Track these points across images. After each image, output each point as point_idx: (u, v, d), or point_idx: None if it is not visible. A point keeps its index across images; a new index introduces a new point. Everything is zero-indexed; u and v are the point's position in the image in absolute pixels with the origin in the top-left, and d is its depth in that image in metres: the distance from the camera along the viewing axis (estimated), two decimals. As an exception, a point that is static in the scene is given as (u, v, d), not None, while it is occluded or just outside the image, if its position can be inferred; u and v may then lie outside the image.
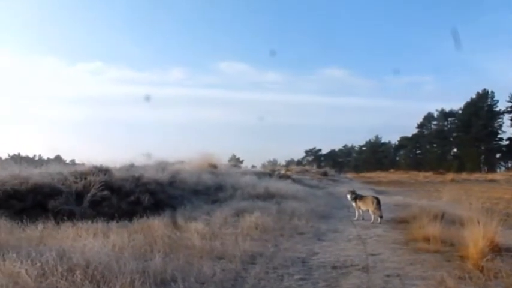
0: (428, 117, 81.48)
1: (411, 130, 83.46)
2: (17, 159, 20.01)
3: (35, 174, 11.24)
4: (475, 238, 6.63)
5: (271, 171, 24.58)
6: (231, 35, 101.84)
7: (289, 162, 72.92)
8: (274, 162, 41.46)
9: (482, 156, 72.88)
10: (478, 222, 6.89)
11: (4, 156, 25.91)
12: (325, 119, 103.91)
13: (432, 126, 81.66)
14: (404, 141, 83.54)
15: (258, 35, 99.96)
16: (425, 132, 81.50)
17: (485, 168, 70.03)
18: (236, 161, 32.81)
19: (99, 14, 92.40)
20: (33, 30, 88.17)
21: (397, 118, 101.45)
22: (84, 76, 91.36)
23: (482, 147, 72.77)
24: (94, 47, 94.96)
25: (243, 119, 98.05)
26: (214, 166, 17.73)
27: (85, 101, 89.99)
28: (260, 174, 20.17)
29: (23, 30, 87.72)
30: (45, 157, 37.59)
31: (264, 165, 27.56)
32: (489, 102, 74.13)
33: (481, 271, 5.93)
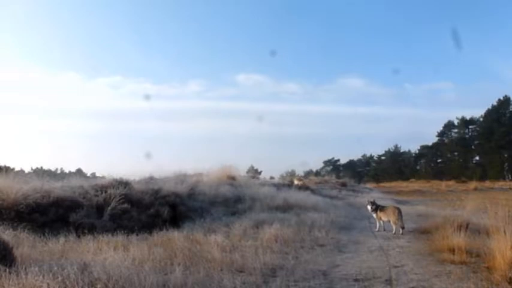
0: (449, 125, 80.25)
1: (431, 139, 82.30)
2: (39, 172, 20.31)
3: (57, 188, 11.38)
4: (502, 248, 6.42)
5: (289, 182, 24.39)
6: (249, 47, 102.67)
7: (308, 173, 72.43)
8: (292, 173, 41.21)
9: (506, 164, 71.16)
10: (505, 232, 6.67)
11: (27, 169, 26.38)
12: (343, 128, 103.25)
13: (453, 134, 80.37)
14: (425, 150, 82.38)
15: (274, 44, 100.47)
16: (446, 141, 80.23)
17: (509, 176, 68.36)
18: (254, 172, 32.46)
19: (118, 29, 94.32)
20: (54, 46, 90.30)
21: (416, 126, 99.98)
22: (104, 90, 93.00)
23: (505, 155, 71.09)
24: (113, 61, 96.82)
25: (260, 129, 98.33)
26: (233, 178, 17.69)
27: (105, 114, 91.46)
28: (279, 185, 20.10)
29: (45, 46, 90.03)
30: (66, 170, 38.16)
31: (282, 176, 27.22)
32: (511, 109, 72.64)
33: (510, 283, 5.73)
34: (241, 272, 6.40)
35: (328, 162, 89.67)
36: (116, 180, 12.64)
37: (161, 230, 9.68)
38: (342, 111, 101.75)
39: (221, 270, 6.33)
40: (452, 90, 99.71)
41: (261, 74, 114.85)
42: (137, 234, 9.15)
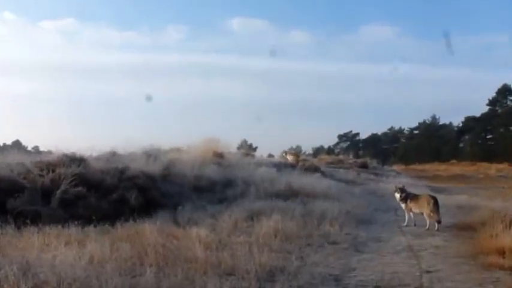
0: (503, 91, 79.85)
1: (480, 109, 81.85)
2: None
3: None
4: None
5: (294, 161, 24.33)
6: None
7: (318, 150, 72.60)
8: (298, 150, 41.06)
9: None
10: None
11: None
12: (365, 93, 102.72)
13: (508, 102, 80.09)
14: (471, 123, 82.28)
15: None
16: (499, 111, 80.00)
17: None
18: (248, 149, 32.24)
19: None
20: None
21: (461, 92, 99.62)
22: (51, 37, 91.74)
23: None
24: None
25: (258, 93, 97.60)
26: (221, 155, 17.62)
27: (53, 69, 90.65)
28: (280, 166, 19.93)
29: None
30: (0, 143, 37.87)
31: (283, 155, 26.96)
32: None
33: None
34: (230, 275, 6.47)
35: (344, 137, 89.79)
36: (67, 156, 12.63)
37: (127, 220, 9.72)
38: (364, 70, 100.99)
39: (204, 272, 6.40)
40: (508, 45, 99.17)
41: (261, 19, 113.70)
42: (96, 226, 9.19)
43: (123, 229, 8.96)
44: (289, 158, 26.04)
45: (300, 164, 22.12)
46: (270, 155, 34.99)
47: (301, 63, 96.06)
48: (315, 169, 21.91)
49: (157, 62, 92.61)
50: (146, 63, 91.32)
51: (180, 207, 11.76)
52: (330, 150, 77.45)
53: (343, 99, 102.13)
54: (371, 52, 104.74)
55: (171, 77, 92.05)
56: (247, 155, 24.34)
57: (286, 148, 33.34)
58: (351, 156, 44.25)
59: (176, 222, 10.25)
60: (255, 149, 35.87)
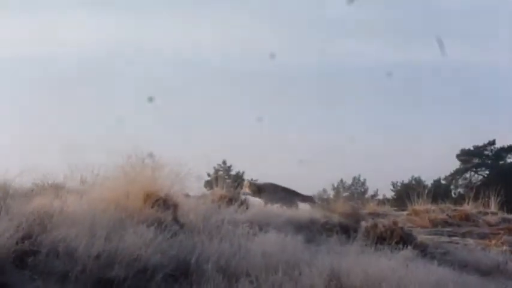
0: None
1: None
2: None
3: None
4: None
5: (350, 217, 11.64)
6: None
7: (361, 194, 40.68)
8: (356, 190, 24.82)
9: None
10: None
11: None
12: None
13: None
14: None
15: None
16: None
17: None
18: (231, 182, 16.01)
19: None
20: None
21: None
22: None
23: None
24: None
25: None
26: (168, 202, 8.25)
27: None
28: (312, 229, 9.80)
29: None
30: None
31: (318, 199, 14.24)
32: None
33: None
34: None
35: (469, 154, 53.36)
36: None
37: None
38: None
39: None
40: None
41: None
42: None
43: None
44: (247, 190, 13.72)
45: (369, 229, 10.62)
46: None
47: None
48: (400, 238, 10.36)
49: None
50: None
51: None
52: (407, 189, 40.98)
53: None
54: None
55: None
56: (230, 200, 11.04)
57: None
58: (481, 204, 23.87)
59: None
60: (241, 180, 18.12)
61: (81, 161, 8.84)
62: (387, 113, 50.14)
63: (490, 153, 46.55)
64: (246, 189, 13.42)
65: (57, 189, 8.44)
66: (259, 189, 13.64)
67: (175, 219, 8.40)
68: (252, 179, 15.27)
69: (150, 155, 8.75)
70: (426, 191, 17.02)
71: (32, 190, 8.64)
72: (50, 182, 8.97)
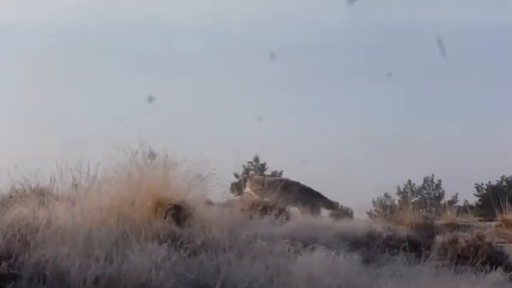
0: None
1: None
2: None
3: None
4: None
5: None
6: None
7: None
8: (429, 194, 24.90)
9: None
10: None
11: None
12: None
13: None
14: None
15: None
16: None
17: None
18: (264, 186, 11.82)
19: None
20: None
21: None
22: None
23: None
24: None
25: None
26: (181, 212, 7.06)
27: None
28: (372, 246, 8.69)
29: None
30: None
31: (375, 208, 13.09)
32: None
33: None
34: None
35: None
36: None
37: None
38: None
39: None
40: None
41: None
42: None
43: None
44: (249, 190, 12.23)
45: (447, 245, 9.33)
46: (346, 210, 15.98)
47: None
48: (487, 257, 8.83)
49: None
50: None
51: None
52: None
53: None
54: None
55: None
56: (264, 209, 9.14)
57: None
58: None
59: None
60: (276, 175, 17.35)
61: (74, 158, 7.64)
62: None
63: None
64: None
65: (42, 195, 7.38)
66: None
67: (194, 234, 7.06)
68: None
69: (161, 152, 7.50)
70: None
71: (10, 197, 7.52)
72: (33, 186, 7.79)
